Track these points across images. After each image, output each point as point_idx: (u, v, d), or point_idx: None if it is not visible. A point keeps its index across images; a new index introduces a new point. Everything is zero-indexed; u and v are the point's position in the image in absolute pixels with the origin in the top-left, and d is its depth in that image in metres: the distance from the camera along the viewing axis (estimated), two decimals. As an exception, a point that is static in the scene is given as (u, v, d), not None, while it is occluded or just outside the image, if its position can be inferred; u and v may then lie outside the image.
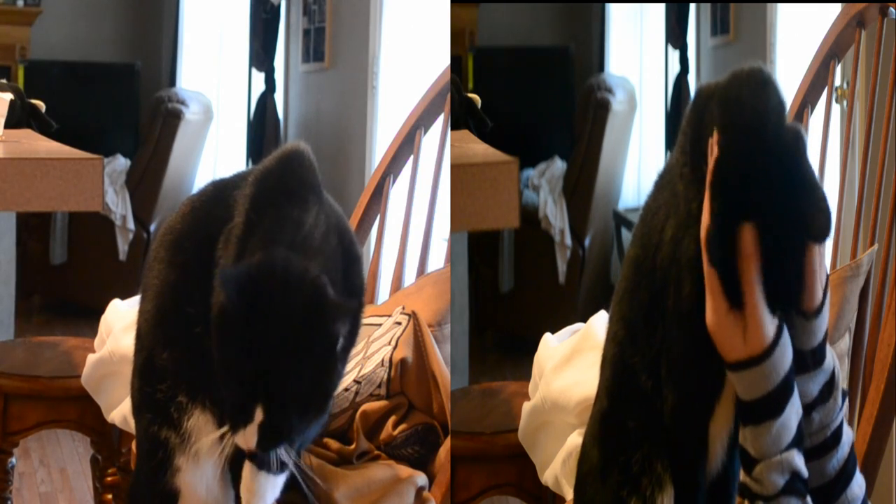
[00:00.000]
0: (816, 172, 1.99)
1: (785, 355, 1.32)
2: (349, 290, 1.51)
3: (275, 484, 1.56)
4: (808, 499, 1.33)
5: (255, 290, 1.41)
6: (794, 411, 1.33)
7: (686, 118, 1.38)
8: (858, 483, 1.41)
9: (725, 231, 1.29)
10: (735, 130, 1.30)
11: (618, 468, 1.40)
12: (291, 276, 1.43)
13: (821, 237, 1.31)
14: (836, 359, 1.41)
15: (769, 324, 1.30)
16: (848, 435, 1.40)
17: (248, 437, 1.42)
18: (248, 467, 1.54)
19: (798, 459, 1.33)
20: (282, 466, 1.54)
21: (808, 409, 1.36)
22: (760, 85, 1.30)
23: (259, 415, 1.40)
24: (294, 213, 1.50)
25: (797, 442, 1.33)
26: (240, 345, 1.41)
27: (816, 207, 1.29)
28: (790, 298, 1.33)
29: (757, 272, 1.28)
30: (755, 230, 1.28)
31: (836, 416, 1.40)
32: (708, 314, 1.31)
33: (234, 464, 1.61)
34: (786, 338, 1.32)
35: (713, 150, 1.30)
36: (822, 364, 1.37)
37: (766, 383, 1.31)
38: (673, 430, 1.38)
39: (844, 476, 1.40)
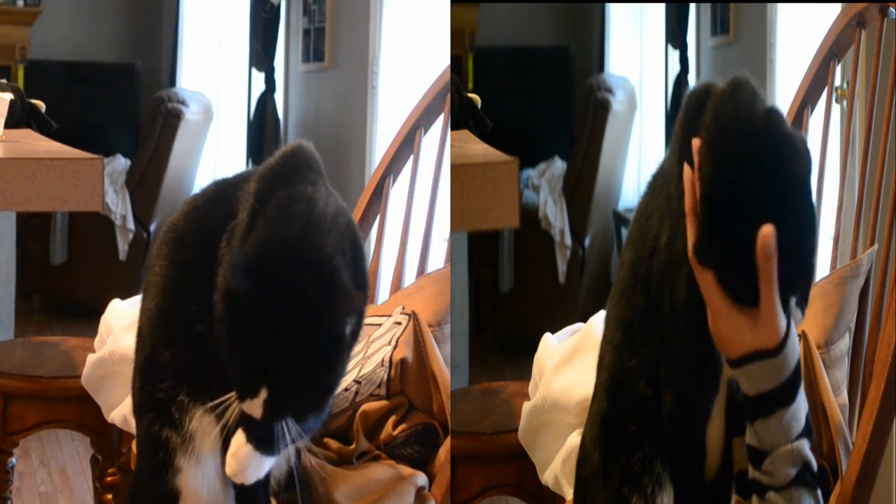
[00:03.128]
0: (816, 172, 2.01)
1: (795, 347, 1.32)
2: (357, 281, 1.50)
3: (260, 462, 1.53)
4: (818, 492, 1.33)
5: (265, 272, 1.40)
6: (802, 400, 1.33)
7: (678, 121, 1.38)
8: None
9: (722, 233, 1.29)
10: (720, 137, 1.30)
11: (619, 467, 1.40)
12: (305, 255, 1.42)
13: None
14: None
15: (782, 318, 1.31)
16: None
17: (253, 408, 1.43)
18: (239, 436, 1.51)
19: (808, 450, 1.33)
20: (271, 449, 1.52)
21: None
22: (741, 91, 1.31)
23: (264, 393, 1.41)
24: (306, 189, 1.50)
25: (807, 432, 1.33)
26: (246, 329, 1.42)
27: (798, 155, 1.29)
28: (805, 288, 1.33)
29: (776, 271, 1.28)
30: (774, 231, 1.27)
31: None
32: (709, 318, 1.32)
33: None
34: (793, 327, 1.33)
35: (697, 157, 1.31)
36: None
37: (778, 375, 1.31)
38: (672, 430, 1.38)
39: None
